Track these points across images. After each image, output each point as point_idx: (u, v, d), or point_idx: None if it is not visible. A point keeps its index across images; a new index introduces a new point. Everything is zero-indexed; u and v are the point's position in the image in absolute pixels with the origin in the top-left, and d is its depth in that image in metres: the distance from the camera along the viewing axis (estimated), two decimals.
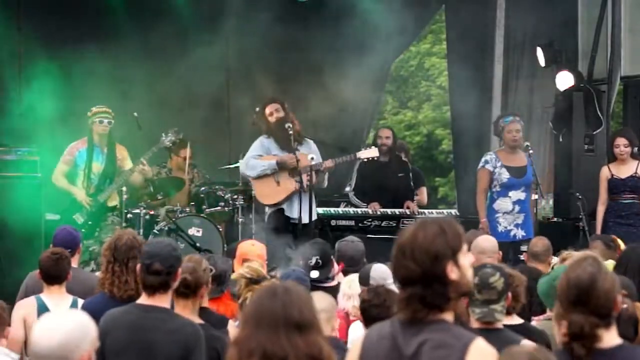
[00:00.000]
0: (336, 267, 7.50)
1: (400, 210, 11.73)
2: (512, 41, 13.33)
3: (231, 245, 8.55)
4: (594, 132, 12.11)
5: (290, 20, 12.45)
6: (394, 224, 11.38)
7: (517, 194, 10.75)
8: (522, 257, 8.70)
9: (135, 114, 11.03)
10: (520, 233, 10.67)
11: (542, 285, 6.21)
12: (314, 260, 7.39)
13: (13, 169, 10.87)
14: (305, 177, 10.31)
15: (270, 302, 3.57)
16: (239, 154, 11.95)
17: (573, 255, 7.36)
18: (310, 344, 3.55)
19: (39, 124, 11.35)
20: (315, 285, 6.94)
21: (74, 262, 7.24)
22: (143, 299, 5.21)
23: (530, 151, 10.68)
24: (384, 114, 24.14)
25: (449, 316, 3.67)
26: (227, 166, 12.37)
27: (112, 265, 6.05)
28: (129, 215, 10.75)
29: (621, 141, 10.89)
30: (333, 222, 11.48)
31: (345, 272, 7.36)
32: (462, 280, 3.66)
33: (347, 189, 12.35)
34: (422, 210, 11.91)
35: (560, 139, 12.29)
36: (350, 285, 6.59)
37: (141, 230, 10.61)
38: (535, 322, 6.30)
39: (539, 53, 12.55)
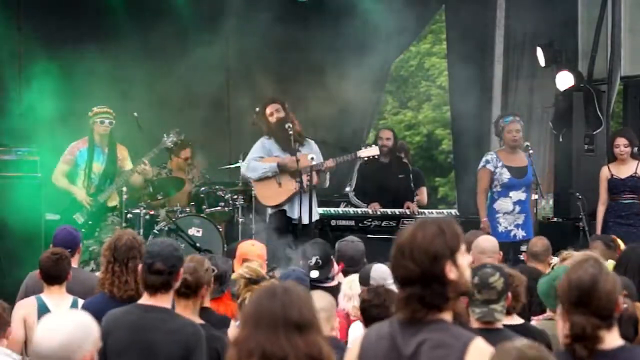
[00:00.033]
0: (336, 267, 7.50)
1: (400, 210, 11.73)
2: (512, 41, 13.34)
3: (231, 245, 8.55)
4: (594, 132, 12.12)
5: (290, 20, 12.45)
6: (394, 224, 11.38)
7: (518, 194, 10.75)
8: (522, 257, 8.70)
9: (136, 114, 11.03)
10: (520, 233, 10.66)
11: (542, 285, 6.21)
12: (313, 260, 7.39)
13: (13, 169, 10.87)
14: (305, 178, 10.31)
15: (269, 302, 3.57)
16: (239, 154, 11.95)
17: (573, 255, 7.37)
18: (310, 344, 3.55)
19: (39, 124, 11.35)
20: (315, 285, 6.94)
21: (74, 262, 7.24)
22: (144, 299, 5.21)
23: (530, 151, 10.68)
24: (384, 114, 24.14)
25: (447, 316, 3.67)
26: (227, 166, 12.37)
27: (112, 266, 6.05)
28: (129, 215, 10.75)
29: (621, 141, 10.89)
30: (333, 222, 11.49)
31: (346, 272, 7.36)
32: (460, 280, 3.67)
33: (347, 189, 12.35)
34: (422, 210, 11.91)
35: (560, 139, 12.29)
36: (350, 286, 6.58)
37: (141, 230, 10.61)
38: (534, 321, 6.30)
39: (539, 53, 12.55)
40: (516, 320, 5.82)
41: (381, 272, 6.45)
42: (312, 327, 3.58)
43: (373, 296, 5.60)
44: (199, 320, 5.41)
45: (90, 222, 10.56)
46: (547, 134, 12.99)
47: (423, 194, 12.35)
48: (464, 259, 3.69)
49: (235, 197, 11.47)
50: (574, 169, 12.09)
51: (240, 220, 11.31)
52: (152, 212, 10.97)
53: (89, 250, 10.26)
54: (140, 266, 5.27)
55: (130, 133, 10.98)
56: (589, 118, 12.17)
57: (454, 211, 12.93)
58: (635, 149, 10.87)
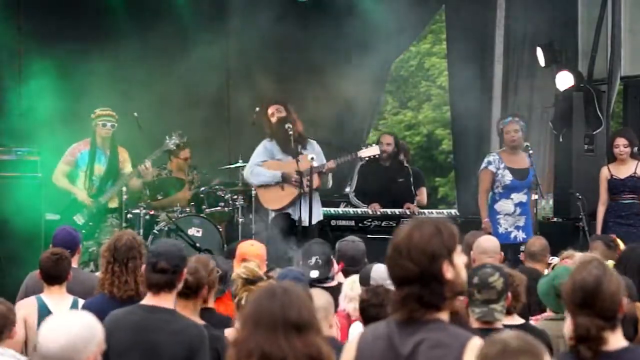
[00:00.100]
0: (336, 267, 7.50)
1: (400, 210, 11.74)
2: (512, 41, 13.34)
3: (231, 245, 8.54)
4: (594, 132, 12.12)
5: (290, 20, 12.45)
6: (394, 224, 11.38)
7: (519, 196, 10.75)
8: (521, 257, 8.69)
9: (136, 114, 11.04)
10: (520, 235, 10.65)
11: (542, 285, 6.21)
12: (313, 260, 7.39)
13: (13, 169, 10.87)
14: (305, 180, 10.32)
15: (268, 302, 3.57)
16: (239, 154, 11.96)
17: (574, 255, 7.39)
18: (309, 344, 3.55)
19: (39, 124, 11.35)
20: (315, 285, 6.94)
21: (74, 262, 7.24)
22: (147, 299, 5.21)
23: (530, 151, 10.68)
24: (384, 114, 24.15)
25: (444, 316, 3.68)
26: (227, 166, 12.37)
27: (111, 266, 6.05)
28: (129, 216, 10.75)
29: (621, 141, 10.89)
30: (333, 222, 11.49)
31: (346, 272, 7.35)
32: (457, 279, 3.68)
33: (348, 189, 12.35)
34: (422, 211, 11.91)
35: (560, 139, 12.29)
36: (352, 287, 6.58)
37: (141, 231, 10.62)
38: (533, 321, 6.30)
39: (539, 53, 12.55)
40: (516, 320, 5.82)
41: (381, 273, 6.44)
42: (312, 328, 3.58)
43: (372, 296, 5.60)
44: (199, 321, 5.40)
45: (90, 224, 10.57)
46: (547, 134, 12.99)
47: (423, 194, 12.35)
48: (460, 259, 3.71)
49: (235, 197, 11.47)
50: (574, 169, 12.08)
51: (240, 220, 11.31)
52: (152, 212, 10.98)
53: (88, 251, 10.26)
54: (143, 267, 5.27)
55: (130, 133, 10.99)
56: (589, 118, 12.17)
57: (454, 211, 12.93)
58: (635, 149, 10.87)
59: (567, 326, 3.98)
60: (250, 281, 5.70)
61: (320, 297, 5.27)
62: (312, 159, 10.41)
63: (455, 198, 15.24)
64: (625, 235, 9.48)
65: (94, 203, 10.63)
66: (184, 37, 12.75)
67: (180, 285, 5.22)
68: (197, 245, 10.53)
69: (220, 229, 11.08)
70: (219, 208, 11.43)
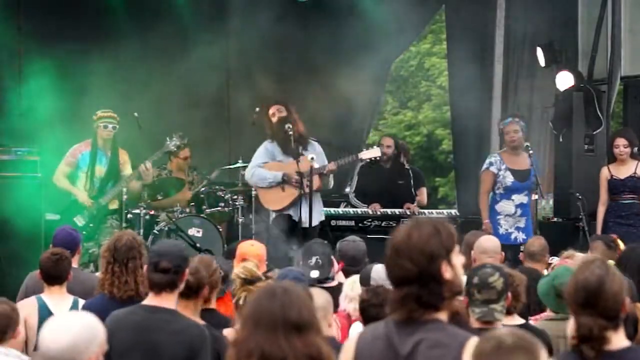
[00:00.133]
0: (336, 266, 7.50)
1: (400, 210, 11.74)
2: (512, 41, 13.33)
3: (231, 245, 8.55)
4: (594, 132, 12.11)
5: (290, 20, 12.45)
6: (394, 224, 11.38)
7: (520, 198, 10.75)
8: (520, 257, 8.69)
9: (136, 114, 11.04)
10: (521, 236, 10.64)
11: (542, 286, 6.22)
12: (314, 260, 7.39)
13: (13, 169, 10.86)
14: (305, 181, 10.32)
15: (269, 302, 3.57)
16: (239, 154, 11.96)
17: (574, 255, 7.39)
18: (309, 344, 3.55)
19: (39, 124, 11.35)
20: (315, 285, 6.93)
21: (74, 262, 7.23)
22: (149, 300, 5.20)
23: (530, 151, 10.68)
24: (384, 114, 24.14)
25: (443, 316, 3.68)
26: (227, 166, 12.37)
27: (111, 266, 6.04)
28: (129, 216, 10.75)
29: (621, 141, 10.89)
30: (333, 222, 11.49)
31: (347, 272, 7.35)
32: (455, 280, 3.68)
33: (347, 189, 12.35)
34: (422, 211, 11.91)
35: (560, 139, 12.28)
36: (352, 287, 6.58)
37: (141, 231, 10.62)
38: (532, 321, 6.30)
39: (539, 53, 12.55)
40: (516, 320, 5.82)
41: (381, 273, 6.44)
42: (312, 328, 3.58)
43: (372, 296, 5.60)
44: (199, 321, 5.40)
45: (90, 225, 10.57)
46: (547, 134, 12.98)
47: (423, 194, 12.35)
48: (458, 259, 3.71)
49: (235, 197, 11.47)
50: (574, 169, 12.08)
51: (240, 220, 11.31)
52: (152, 213, 10.98)
53: (88, 252, 10.27)
54: (145, 267, 5.26)
55: (130, 133, 10.98)
56: (589, 118, 12.17)
57: (454, 211, 12.93)
58: (635, 149, 10.88)
59: (570, 326, 3.97)
60: (249, 281, 5.69)
61: (318, 296, 5.27)
62: (312, 159, 10.40)
63: (455, 198, 15.25)
64: (625, 235, 9.49)
65: (95, 204, 10.63)
66: (184, 37, 12.76)
67: (182, 286, 5.21)
68: (197, 245, 10.53)
69: (220, 229, 11.08)
70: (219, 208, 11.43)
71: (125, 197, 10.67)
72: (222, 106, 13.61)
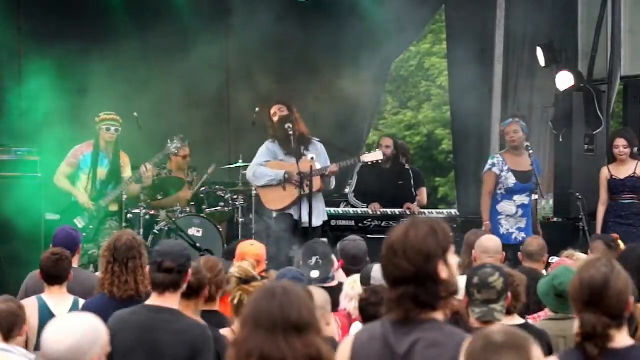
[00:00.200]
0: (336, 265, 7.50)
1: (400, 210, 11.73)
2: (512, 41, 13.33)
3: (231, 245, 8.55)
4: (594, 132, 12.12)
5: (290, 20, 12.45)
6: (394, 224, 11.34)
7: (521, 199, 10.75)
8: (519, 257, 8.68)
9: (135, 114, 11.05)
10: (521, 236, 10.62)
11: (542, 285, 6.22)
12: (314, 260, 7.39)
13: (13, 169, 10.88)
14: (305, 182, 10.32)
15: (268, 303, 3.56)
16: (239, 154, 11.96)
17: (574, 254, 7.40)
18: (309, 345, 3.54)
19: (39, 124, 11.36)
20: (314, 284, 6.93)
21: (74, 263, 7.24)
22: (152, 300, 5.21)
23: (530, 151, 10.68)
24: (384, 114, 24.14)
25: (440, 315, 3.68)
26: (227, 166, 12.37)
27: (111, 266, 6.04)
28: (129, 216, 10.75)
29: (620, 142, 10.89)
30: (333, 222, 11.48)
31: (348, 271, 7.35)
32: (451, 279, 3.68)
33: (347, 190, 12.35)
34: (422, 211, 11.91)
35: (560, 139, 12.29)
36: (353, 287, 6.58)
37: (141, 231, 10.62)
38: (531, 320, 6.31)
39: (539, 53, 12.55)
40: (516, 320, 5.82)
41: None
42: (312, 328, 3.57)
43: (371, 295, 5.60)
44: (201, 321, 5.40)
45: (90, 227, 10.56)
46: (547, 134, 12.98)
47: (423, 194, 12.35)
48: (454, 259, 3.72)
49: (235, 197, 11.47)
50: (574, 169, 12.08)
51: (240, 220, 11.31)
52: (152, 212, 10.98)
53: (88, 254, 10.26)
54: (148, 268, 5.27)
55: (130, 133, 10.99)
56: (589, 118, 12.17)
57: (454, 211, 12.93)
58: (635, 149, 10.88)
59: (577, 325, 3.97)
60: (244, 281, 5.68)
61: (316, 295, 5.27)
62: (312, 159, 10.40)
63: (455, 198, 15.24)
64: (625, 235, 9.49)
65: (95, 206, 10.63)
66: (184, 37, 12.75)
67: (184, 286, 5.22)
68: (197, 245, 10.53)
69: (221, 229, 11.08)
70: (219, 208, 11.43)
71: (125, 196, 10.67)
72: (222, 106, 13.61)
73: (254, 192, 11.13)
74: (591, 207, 11.10)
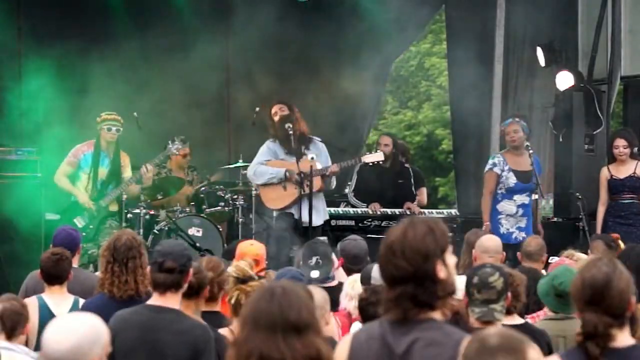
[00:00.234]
0: (336, 263, 7.49)
1: (401, 210, 11.73)
2: (512, 41, 13.32)
3: (230, 245, 8.55)
4: (594, 132, 12.11)
5: (290, 20, 12.45)
6: (395, 224, 11.35)
7: (522, 198, 10.75)
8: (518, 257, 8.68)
9: (135, 114, 11.05)
10: (522, 236, 10.63)
11: (542, 285, 6.22)
12: (314, 261, 7.39)
13: (13, 169, 10.88)
14: (305, 182, 10.32)
15: (267, 303, 3.54)
16: (239, 154, 11.97)
17: (574, 254, 7.40)
18: (309, 345, 3.53)
19: (39, 124, 11.36)
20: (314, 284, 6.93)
21: (74, 262, 7.24)
22: (154, 300, 5.21)
23: (531, 151, 10.68)
24: (384, 114, 24.14)
25: (438, 315, 3.68)
26: (227, 166, 12.37)
27: (111, 266, 6.04)
28: (129, 216, 10.75)
29: (620, 142, 10.90)
30: (333, 222, 11.48)
31: (349, 271, 7.35)
32: (449, 279, 3.68)
33: (347, 189, 12.35)
34: (422, 210, 11.90)
35: (560, 139, 12.28)
36: (353, 286, 6.59)
37: (141, 230, 10.62)
38: (529, 320, 6.31)
39: (539, 53, 12.55)
40: (516, 320, 5.83)
41: None
42: (311, 329, 3.56)
43: (370, 294, 5.60)
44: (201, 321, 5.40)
45: (90, 226, 10.56)
46: (547, 134, 12.98)
47: (423, 194, 12.34)
48: (451, 259, 3.72)
49: (235, 197, 11.47)
50: (574, 169, 12.07)
51: (240, 220, 11.31)
52: (152, 212, 10.98)
53: (87, 253, 10.26)
54: (149, 268, 5.26)
55: (130, 133, 10.99)
56: (589, 118, 12.16)
57: (454, 211, 12.93)
58: (635, 149, 10.88)
59: (578, 325, 3.97)
60: (241, 280, 5.68)
61: (315, 295, 5.27)
62: (312, 159, 10.41)
63: (455, 198, 15.24)
64: (625, 235, 9.49)
65: (95, 206, 10.62)
66: (184, 37, 12.75)
67: (185, 286, 5.22)
68: (197, 245, 10.53)
69: (220, 229, 11.08)
70: (219, 208, 11.43)
71: (125, 196, 10.68)
72: (222, 106, 13.61)
73: (254, 192, 11.13)
74: (591, 207, 11.10)
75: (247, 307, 3.63)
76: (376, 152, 10.97)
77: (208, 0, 13.12)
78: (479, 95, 12.98)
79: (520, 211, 10.74)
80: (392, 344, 3.65)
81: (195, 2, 12.76)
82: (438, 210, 13.74)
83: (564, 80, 12.20)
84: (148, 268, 5.28)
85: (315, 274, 7.31)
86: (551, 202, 13.07)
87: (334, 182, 10.90)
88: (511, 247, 10.30)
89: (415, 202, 11.99)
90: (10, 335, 5.56)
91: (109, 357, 3.85)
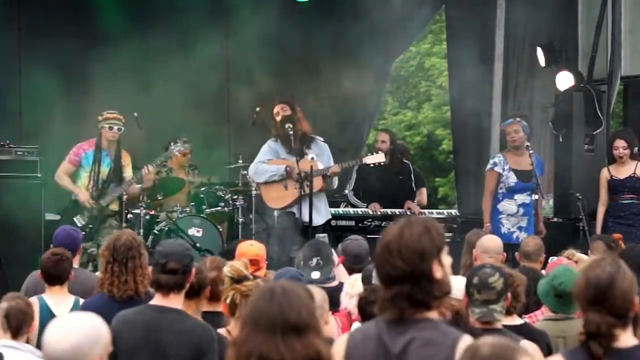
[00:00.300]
0: (337, 261, 7.49)
1: (401, 210, 11.71)
2: (512, 41, 13.32)
3: (230, 245, 8.55)
4: (594, 132, 12.11)
5: (290, 20, 12.45)
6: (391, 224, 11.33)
7: (522, 198, 10.75)
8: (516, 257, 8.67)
9: (135, 113, 11.04)
10: (522, 236, 10.62)
11: (542, 286, 6.22)
12: (314, 261, 7.38)
13: (13, 169, 10.88)
14: (305, 182, 10.31)
15: (267, 304, 3.54)
16: (239, 154, 11.96)
17: (574, 254, 7.40)
18: (308, 346, 3.52)
19: (39, 124, 11.36)
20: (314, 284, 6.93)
21: (75, 263, 7.24)
22: (156, 300, 5.21)
23: (531, 151, 10.69)
24: (384, 114, 24.13)
25: (434, 315, 3.69)
26: (227, 166, 12.37)
27: (111, 266, 6.04)
28: (129, 216, 10.74)
29: (620, 143, 10.90)
30: (333, 222, 11.47)
31: (351, 270, 7.35)
32: (445, 279, 3.69)
33: (347, 189, 12.35)
34: (422, 210, 11.89)
35: (560, 139, 12.28)
36: (353, 285, 6.59)
37: (141, 231, 10.61)
38: (528, 319, 6.30)
39: (539, 53, 12.54)
40: (516, 320, 5.83)
41: None
42: (311, 329, 3.55)
43: (370, 293, 5.60)
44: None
45: (90, 226, 10.56)
46: (547, 134, 12.98)
47: (423, 194, 12.33)
48: (448, 259, 3.73)
49: (235, 197, 11.47)
50: (574, 169, 12.07)
51: (240, 220, 11.31)
52: (152, 213, 10.98)
53: (87, 253, 10.25)
54: (151, 268, 5.27)
55: (130, 133, 10.99)
56: (589, 118, 12.16)
57: (454, 211, 12.93)
58: (635, 149, 10.88)
59: (581, 325, 3.97)
60: (236, 280, 5.68)
61: (314, 295, 5.26)
62: (313, 159, 10.41)
63: (455, 198, 15.24)
64: (625, 235, 9.49)
65: (95, 205, 10.62)
66: (184, 37, 12.76)
67: (187, 286, 5.23)
68: (197, 245, 10.53)
69: (220, 229, 11.08)
70: (219, 208, 11.43)
71: (125, 196, 10.67)
72: (222, 106, 13.61)
73: (254, 192, 11.12)
74: (591, 207, 11.10)
75: (247, 307, 3.64)
76: (377, 153, 10.96)
77: (208, 0, 13.11)
78: (479, 95, 12.98)
79: (521, 211, 10.74)
80: (389, 343, 3.65)
81: (196, 2, 12.76)
82: (438, 211, 13.72)
83: (564, 80, 12.20)
84: (148, 268, 5.28)
85: (316, 275, 7.31)
86: (551, 202, 13.07)
87: (335, 182, 10.90)
88: (512, 247, 10.30)
89: (415, 201, 11.99)
90: (15, 334, 5.58)
91: (112, 356, 3.85)
